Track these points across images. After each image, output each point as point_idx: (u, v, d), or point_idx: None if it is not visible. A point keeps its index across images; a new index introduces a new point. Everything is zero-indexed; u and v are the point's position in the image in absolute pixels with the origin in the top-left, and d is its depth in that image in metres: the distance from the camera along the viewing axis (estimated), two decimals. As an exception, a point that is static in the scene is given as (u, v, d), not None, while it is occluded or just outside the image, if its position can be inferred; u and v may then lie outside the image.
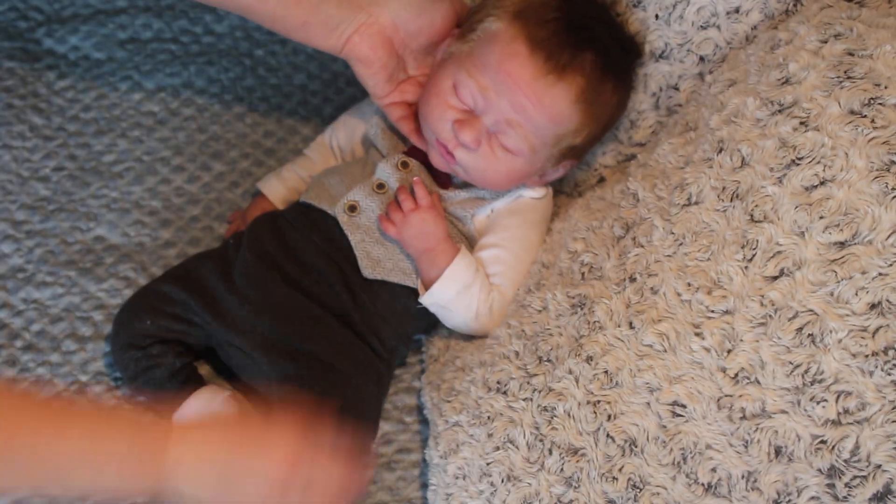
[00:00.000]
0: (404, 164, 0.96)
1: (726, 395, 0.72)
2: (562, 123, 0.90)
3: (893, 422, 0.66)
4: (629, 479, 0.75)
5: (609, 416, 0.77)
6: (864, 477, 0.65)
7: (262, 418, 0.77)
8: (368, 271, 0.93)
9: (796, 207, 0.72)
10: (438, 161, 0.94)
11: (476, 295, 0.92)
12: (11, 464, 0.66)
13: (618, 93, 0.93)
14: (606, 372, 0.78)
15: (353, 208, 0.94)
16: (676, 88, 0.95)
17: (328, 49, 0.95)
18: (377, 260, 0.93)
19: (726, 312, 0.74)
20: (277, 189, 1.05)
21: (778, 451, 0.69)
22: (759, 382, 0.71)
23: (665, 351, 0.76)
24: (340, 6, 0.92)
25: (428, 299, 0.92)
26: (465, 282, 0.91)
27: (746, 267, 0.74)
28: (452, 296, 0.91)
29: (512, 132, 0.90)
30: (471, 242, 0.96)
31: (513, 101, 0.88)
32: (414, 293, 0.94)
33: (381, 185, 0.95)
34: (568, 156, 0.95)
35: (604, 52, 0.90)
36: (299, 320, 0.92)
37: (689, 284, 0.76)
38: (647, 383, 0.76)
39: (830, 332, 0.68)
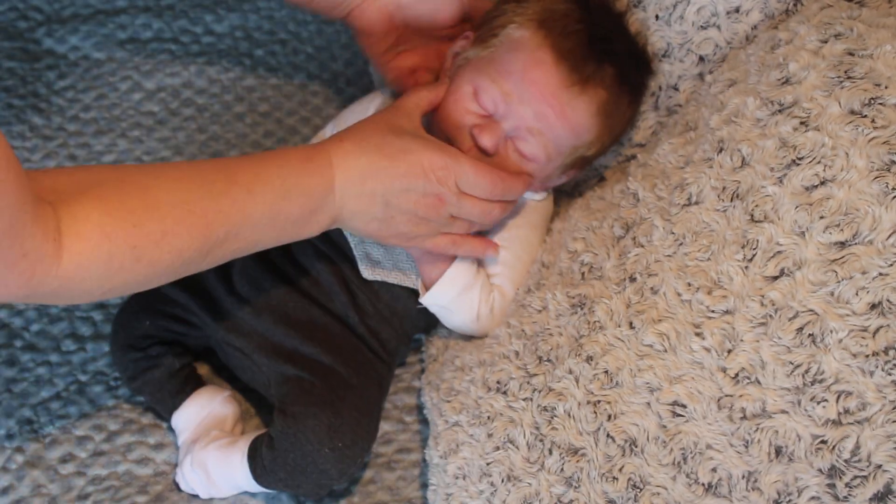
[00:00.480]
0: None
1: (726, 395, 0.72)
2: (581, 135, 0.90)
3: (894, 422, 0.66)
4: (629, 479, 0.75)
5: (609, 416, 0.77)
6: (865, 477, 0.65)
7: (404, 134, 0.85)
8: (367, 272, 0.93)
9: (796, 207, 0.72)
10: None
11: (477, 295, 0.92)
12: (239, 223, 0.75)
13: (632, 107, 0.94)
14: (606, 372, 0.78)
15: None
16: (676, 88, 0.95)
17: (333, 18, 1.02)
18: (376, 261, 0.93)
19: (726, 312, 0.74)
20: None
21: (778, 451, 0.69)
22: (759, 382, 0.71)
23: (665, 351, 0.76)
24: None
25: (429, 300, 0.92)
26: (465, 282, 0.91)
27: (747, 267, 0.74)
28: (453, 296, 0.91)
29: (531, 139, 0.89)
30: None
31: (536, 109, 0.88)
32: (414, 294, 0.94)
33: None
34: (576, 166, 0.95)
35: (623, 66, 0.90)
36: (299, 322, 0.92)
37: (689, 284, 0.76)
38: (648, 383, 0.76)
39: (831, 332, 0.68)
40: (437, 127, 0.93)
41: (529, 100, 0.88)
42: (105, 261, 0.68)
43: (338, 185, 0.81)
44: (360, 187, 0.82)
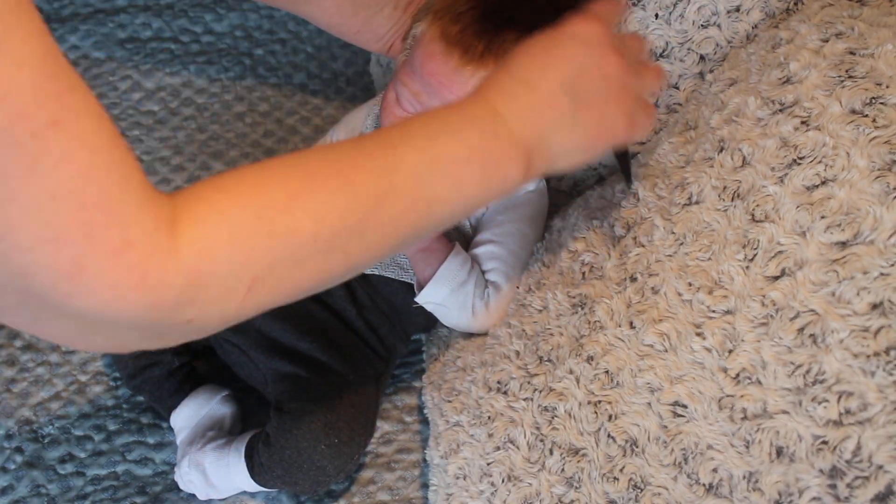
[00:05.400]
0: None
1: (727, 396, 0.72)
2: None
3: (895, 422, 0.66)
4: (630, 480, 0.75)
5: (610, 417, 0.77)
6: (866, 478, 0.65)
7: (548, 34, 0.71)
8: None
9: (797, 207, 0.72)
10: None
11: (471, 292, 0.91)
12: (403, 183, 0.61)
13: None
14: (607, 372, 0.78)
15: None
16: (676, 87, 0.95)
17: (375, 51, 1.03)
18: None
19: (727, 312, 0.73)
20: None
21: (779, 452, 0.69)
22: (760, 383, 0.71)
23: (666, 351, 0.76)
24: (390, 19, 0.97)
25: (423, 298, 0.92)
26: (458, 280, 0.91)
27: (748, 267, 0.73)
28: (447, 294, 0.91)
29: None
30: (468, 240, 0.96)
31: (442, 98, 0.87)
32: (412, 289, 0.94)
33: None
34: None
35: (528, 27, 0.83)
36: (296, 317, 0.91)
37: (689, 284, 0.76)
38: (648, 383, 0.76)
39: (832, 332, 0.68)
40: None
41: (433, 92, 0.87)
42: (228, 240, 0.55)
43: (500, 105, 0.66)
44: (529, 96, 0.67)
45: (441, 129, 0.64)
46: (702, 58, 0.93)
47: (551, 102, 0.67)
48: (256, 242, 0.56)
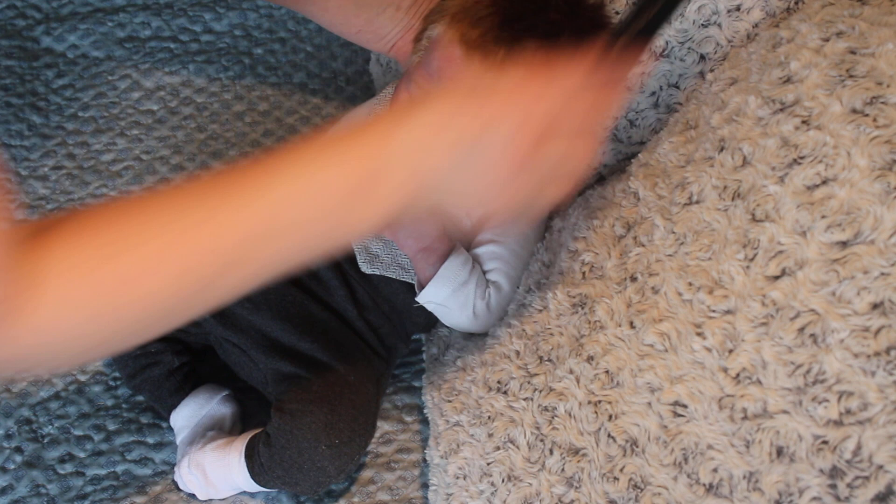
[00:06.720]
0: None
1: (728, 395, 0.72)
2: None
3: (895, 422, 0.65)
4: (630, 480, 0.75)
5: (610, 416, 0.77)
6: (867, 477, 0.65)
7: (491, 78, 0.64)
8: (367, 266, 0.93)
9: (798, 206, 0.72)
10: None
11: (472, 292, 0.91)
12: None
13: None
14: (607, 372, 0.78)
15: None
16: (677, 87, 0.95)
17: (376, 51, 1.04)
18: (375, 255, 0.93)
19: (728, 312, 0.73)
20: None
21: (779, 452, 0.69)
22: (760, 382, 0.71)
23: (666, 351, 0.76)
24: (393, 20, 0.97)
25: (424, 298, 0.92)
26: (460, 279, 0.91)
27: (748, 266, 0.73)
28: (448, 294, 0.91)
29: None
30: (469, 240, 0.96)
31: None
32: (413, 289, 0.94)
33: None
34: None
35: (549, 36, 0.85)
36: (297, 317, 0.91)
37: (690, 284, 0.76)
38: (648, 383, 0.76)
39: (832, 331, 0.68)
40: None
41: None
42: (88, 317, 0.55)
43: (401, 138, 0.60)
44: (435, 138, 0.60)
45: (316, 157, 0.61)
46: (702, 57, 0.92)
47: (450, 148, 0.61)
48: (116, 312, 0.56)
